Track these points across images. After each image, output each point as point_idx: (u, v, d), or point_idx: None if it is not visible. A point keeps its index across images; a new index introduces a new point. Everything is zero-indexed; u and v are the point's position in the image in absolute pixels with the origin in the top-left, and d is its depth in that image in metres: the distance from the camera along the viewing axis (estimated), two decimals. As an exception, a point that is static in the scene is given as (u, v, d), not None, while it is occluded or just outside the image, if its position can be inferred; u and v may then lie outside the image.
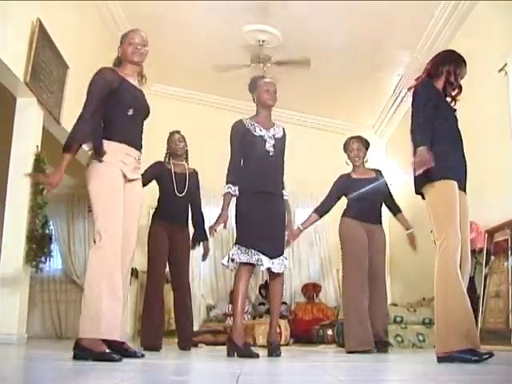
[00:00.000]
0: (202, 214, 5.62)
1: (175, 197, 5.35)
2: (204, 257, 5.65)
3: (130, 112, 3.54)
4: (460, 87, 3.73)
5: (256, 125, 4.34)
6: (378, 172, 5.51)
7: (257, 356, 3.90)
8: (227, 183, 4.20)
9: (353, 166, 5.43)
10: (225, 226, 4.22)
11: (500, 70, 5.32)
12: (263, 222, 4.18)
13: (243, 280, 4.12)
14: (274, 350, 4.15)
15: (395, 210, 5.49)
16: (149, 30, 7.06)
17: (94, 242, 3.30)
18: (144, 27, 7.30)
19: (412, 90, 3.70)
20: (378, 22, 6.72)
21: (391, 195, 5.52)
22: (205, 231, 5.48)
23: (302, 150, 9.05)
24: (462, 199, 3.54)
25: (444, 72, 3.67)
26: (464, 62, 3.74)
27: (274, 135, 4.36)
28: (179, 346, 5.29)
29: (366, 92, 8.50)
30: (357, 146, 5.39)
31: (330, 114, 9.39)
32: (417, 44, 7.00)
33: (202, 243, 5.57)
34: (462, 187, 3.56)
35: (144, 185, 4.67)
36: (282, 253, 4.26)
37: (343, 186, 5.41)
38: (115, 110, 3.52)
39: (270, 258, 4.14)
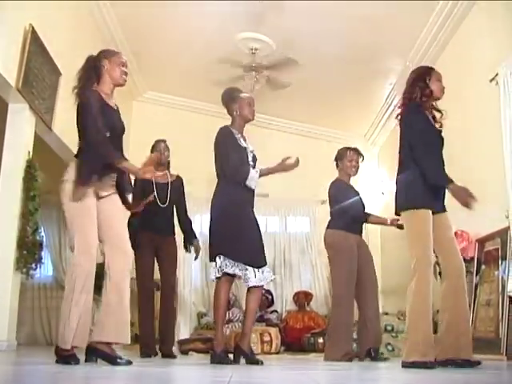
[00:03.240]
0: (189, 218, 5.66)
1: (158, 207, 5.34)
2: (196, 256, 5.63)
3: (107, 134, 3.58)
4: (436, 97, 3.92)
5: (239, 136, 4.39)
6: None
7: (231, 362, 4.00)
8: (248, 172, 4.20)
9: (345, 175, 5.40)
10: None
11: (491, 80, 5.35)
12: (251, 234, 4.20)
13: (224, 292, 4.17)
14: (253, 359, 4.07)
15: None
16: (142, 38, 7.09)
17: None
18: (137, 34, 7.35)
19: (400, 117, 3.87)
20: (370, 31, 6.75)
21: None
22: (194, 233, 5.61)
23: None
24: (438, 220, 3.75)
25: (419, 90, 3.86)
26: (431, 68, 4.01)
27: (251, 149, 4.44)
28: (162, 354, 5.26)
29: (358, 100, 8.52)
30: (356, 157, 5.40)
31: (322, 123, 9.40)
32: (409, 53, 7.04)
33: (192, 244, 5.58)
34: (440, 209, 3.80)
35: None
36: (266, 263, 4.23)
37: (344, 191, 5.33)
38: None
39: (258, 268, 4.12)
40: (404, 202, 3.79)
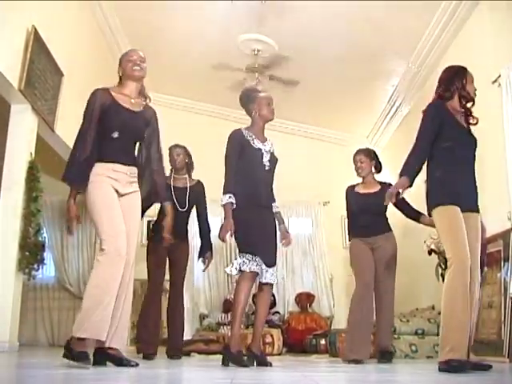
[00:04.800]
0: (208, 225, 5.56)
1: (176, 211, 5.30)
2: (205, 268, 5.57)
3: (115, 135, 3.58)
4: (472, 98, 3.84)
5: (254, 137, 4.32)
6: (386, 184, 5.24)
7: (249, 365, 3.92)
8: (227, 193, 4.10)
9: (360, 179, 5.34)
10: (231, 235, 4.10)
11: (494, 82, 5.34)
12: (261, 232, 4.18)
13: (247, 289, 4.10)
14: (263, 361, 4.11)
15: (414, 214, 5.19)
16: (145, 39, 7.07)
17: (101, 249, 3.39)
18: (140, 36, 7.34)
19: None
20: (373, 33, 6.75)
21: (404, 201, 5.14)
22: (210, 244, 5.48)
23: (297, 160, 9.06)
24: (471, 220, 3.65)
25: (456, 90, 3.77)
26: (465, 68, 3.88)
27: (269, 149, 4.37)
28: (168, 355, 5.26)
29: (361, 102, 8.51)
30: (359, 157, 5.29)
31: (325, 124, 9.40)
32: (411, 55, 7.04)
33: (204, 257, 5.50)
34: (472, 208, 3.70)
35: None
36: (276, 263, 4.25)
37: (349, 198, 5.29)
38: (103, 132, 3.59)
39: (268, 267, 4.13)
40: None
